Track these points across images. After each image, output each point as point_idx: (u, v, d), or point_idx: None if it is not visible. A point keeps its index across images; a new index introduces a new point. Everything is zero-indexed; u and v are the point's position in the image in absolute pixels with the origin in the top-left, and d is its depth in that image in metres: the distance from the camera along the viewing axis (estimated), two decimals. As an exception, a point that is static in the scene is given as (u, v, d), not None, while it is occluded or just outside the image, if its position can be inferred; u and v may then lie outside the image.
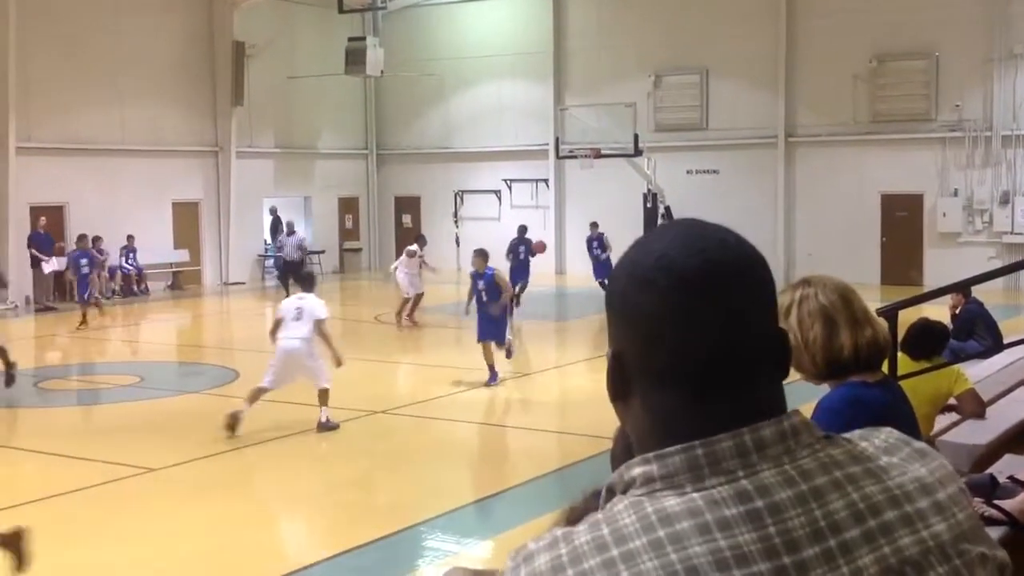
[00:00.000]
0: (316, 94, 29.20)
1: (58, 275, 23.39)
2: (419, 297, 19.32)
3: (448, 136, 30.62)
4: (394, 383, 14.64)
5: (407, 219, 31.87)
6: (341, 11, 26.86)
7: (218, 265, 27.64)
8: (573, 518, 2.06)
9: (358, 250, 31.55)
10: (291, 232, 23.23)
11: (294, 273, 21.33)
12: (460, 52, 29.89)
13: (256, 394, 10.80)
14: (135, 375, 14.86)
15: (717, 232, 1.13)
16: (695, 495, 1.03)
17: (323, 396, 10.90)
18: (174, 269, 26.45)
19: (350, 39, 26.75)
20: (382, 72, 27.15)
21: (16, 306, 22.32)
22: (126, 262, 24.66)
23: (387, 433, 11.54)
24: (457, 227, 30.66)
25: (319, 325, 10.85)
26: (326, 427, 10.93)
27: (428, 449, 10.86)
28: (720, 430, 1.06)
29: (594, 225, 23.39)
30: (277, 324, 11.02)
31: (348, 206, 31.53)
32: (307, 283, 11.55)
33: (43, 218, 22.98)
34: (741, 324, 1.09)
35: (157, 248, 25.90)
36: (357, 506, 9.12)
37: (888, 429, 1.17)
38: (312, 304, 10.97)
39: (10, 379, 12.29)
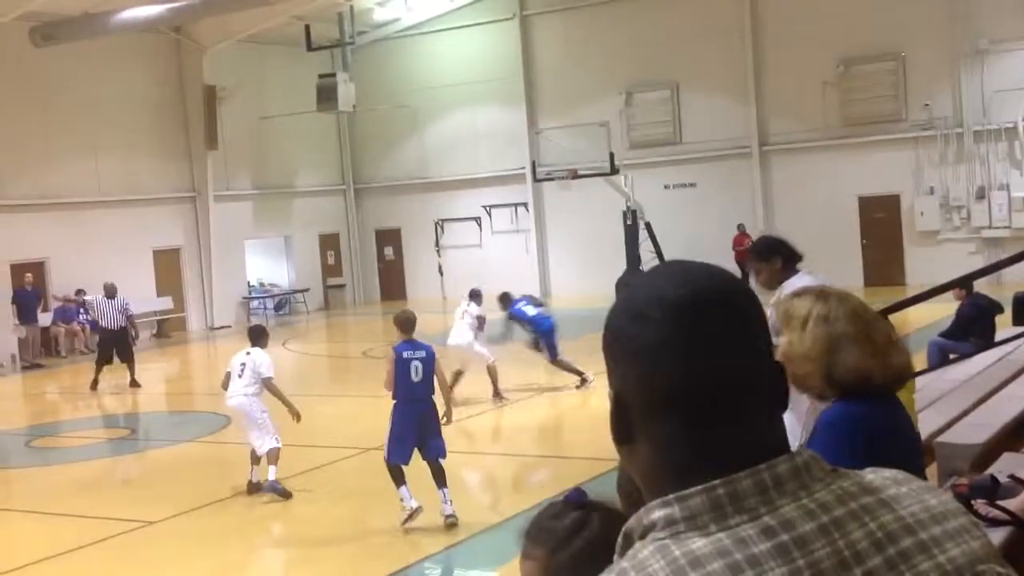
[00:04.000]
0: (290, 133, 29.22)
1: (44, 331, 23.28)
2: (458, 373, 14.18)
3: (425, 166, 30.68)
4: (385, 418, 14.54)
5: (389, 251, 31.88)
6: (310, 49, 26.92)
7: (202, 310, 27.55)
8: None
9: (341, 286, 31.51)
10: (111, 295, 18.78)
11: (118, 344, 18.30)
12: (431, 82, 30.00)
13: (254, 456, 10.28)
14: (126, 427, 14.77)
15: (704, 267, 1.17)
16: (721, 535, 1.05)
17: (269, 456, 10.09)
18: (158, 317, 26.33)
19: (320, 76, 26.78)
20: (354, 107, 27.20)
21: (2, 365, 22.14)
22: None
23: (381, 470, 11.48)
24: (439, 256, 30.70)
25: (266, 383, 10.17)
26: (273, 489, 10.01)
27: (424, 483, 10.80)
28: (733, 465, 1.09)
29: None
30: (227, 379, 10.40)
31: (329, 242, 31.50)
32: (255, 336, 10.61)
33: (29, 274, 22.81)
34: (734, 350, 1.12)
35: (140, 297, 25.75)
36: (356, 547, 9.07)
37: (894, 470, 1.20)
38: (257, 360, 10.24)
39: None
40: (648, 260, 24.92)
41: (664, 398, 1.11)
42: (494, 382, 14.13)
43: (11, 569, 8.78)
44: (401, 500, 8.82)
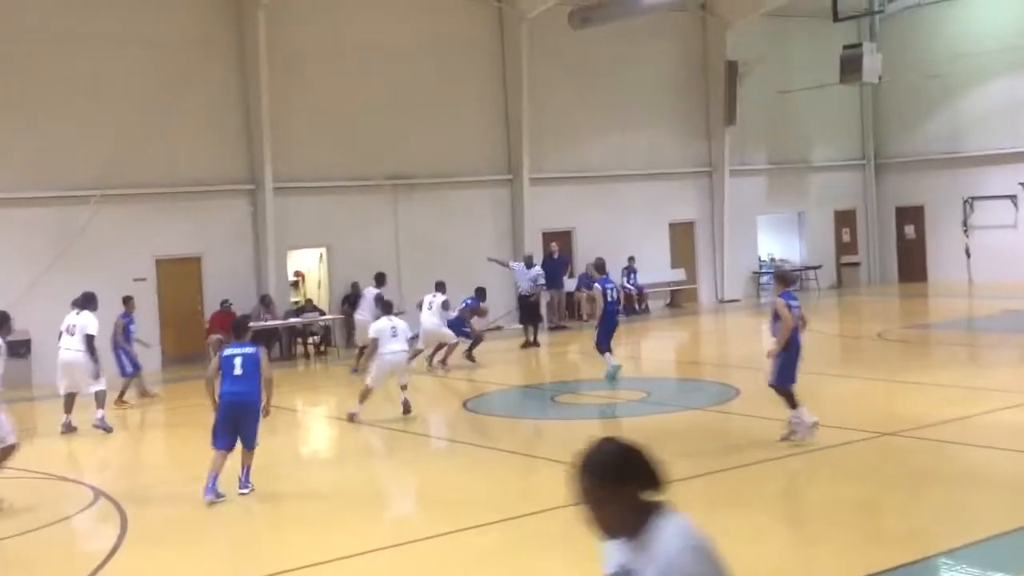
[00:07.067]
0: (809, 106, 28.70)
1: (569, 296, 25.04)
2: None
3: (955, 140, 28.62)
4: (900, 404, 13.86)
5: (909, 230, 30.23)
6: (836, 20, 26.21)
7: (713, 283, 28.05)
8: None
9: (856, 264, 30.46)
10: (530, 265, 22.18)
11: (529, 308, 21.49)
12: (966, 49, 27.86)
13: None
14: (642, 390, 15.47)
15: None
16: None
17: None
18: (671, 288, 27.25)
19: (845, 47, 26.03)
20: (880, 78, 26.07)
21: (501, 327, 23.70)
22: (627, 282, 25.81)
23: (896, 455, 10.95)
24: (967, 237, 28.56)
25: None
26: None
27: (944, 474, 10.13)
28: None
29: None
30: (374, 344, 13.61)
31: (845, 219, 30.56)
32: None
33: (555, 244, 24.66)
34: None
35: (655, 268, 26.86)
36: (868, 529, 8.72)
37: None
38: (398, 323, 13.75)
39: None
40: None
41: None
42: (448, 354, 18.31)
43: (531, 512, 9.56)
44: (796, 416, 11.02)
